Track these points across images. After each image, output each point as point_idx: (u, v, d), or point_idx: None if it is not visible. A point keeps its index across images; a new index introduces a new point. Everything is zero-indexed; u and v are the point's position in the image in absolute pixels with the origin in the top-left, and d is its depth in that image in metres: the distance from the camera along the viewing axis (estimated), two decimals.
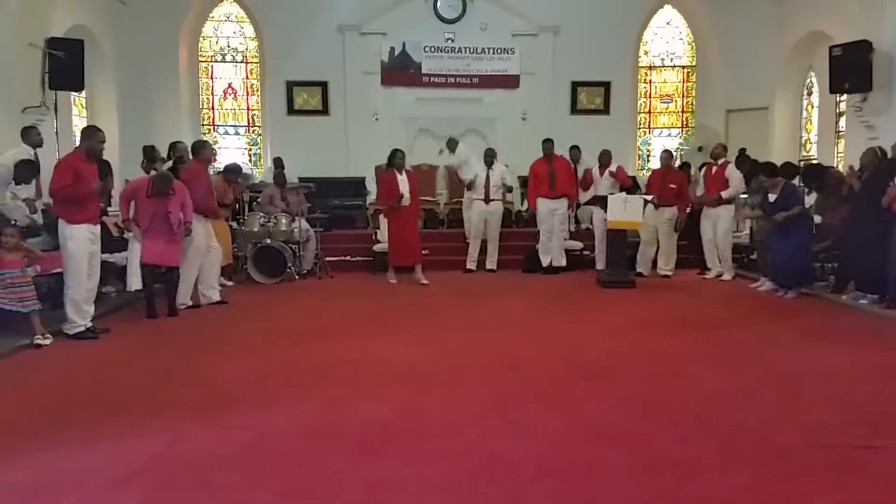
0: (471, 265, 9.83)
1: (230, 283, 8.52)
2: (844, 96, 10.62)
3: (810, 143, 12.28)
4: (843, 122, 11.23)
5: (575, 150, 10.13)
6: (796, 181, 8.44)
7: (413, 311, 7.05)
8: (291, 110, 12.59)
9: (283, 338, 5.77)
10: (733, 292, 8.30)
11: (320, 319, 6.63)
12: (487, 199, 9.75)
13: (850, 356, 5.16)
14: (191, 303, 7.18)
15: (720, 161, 9.15)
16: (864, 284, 7.22)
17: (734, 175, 9.00)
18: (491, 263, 9.85)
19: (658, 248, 9.43)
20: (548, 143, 9.70)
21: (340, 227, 11.07)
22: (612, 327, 6.24)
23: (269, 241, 8.78)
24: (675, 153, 10.83)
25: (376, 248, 9.73)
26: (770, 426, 3.65)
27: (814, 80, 12.11)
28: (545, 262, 9.64)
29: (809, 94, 12.41)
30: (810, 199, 8.65)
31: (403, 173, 8.57)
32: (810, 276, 7.95)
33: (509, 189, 10.46)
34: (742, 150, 10.39)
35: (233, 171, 8.84)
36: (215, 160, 7.89)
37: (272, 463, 3.17)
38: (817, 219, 8.18)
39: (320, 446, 3.39)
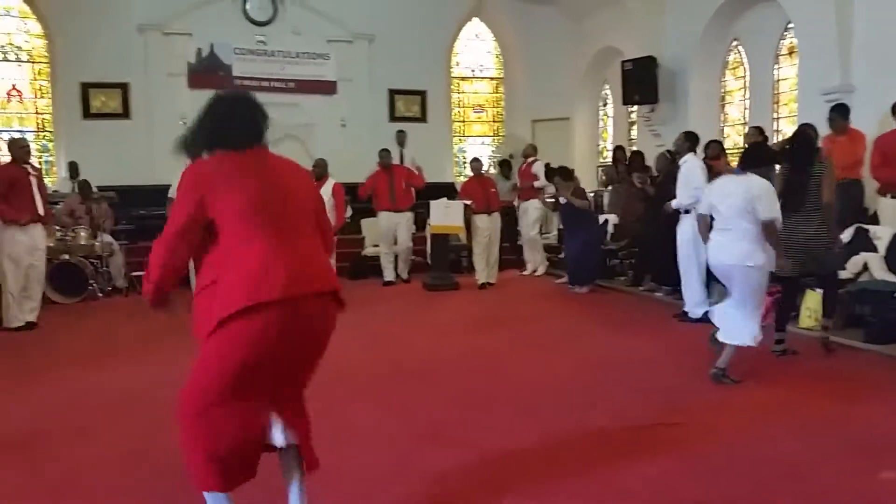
0: None
1: None
2: (635, 107, 11.67)
3: (606, 150, 13.33)
4: (634, 130, 12.35)
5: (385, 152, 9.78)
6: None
7: None
8: (88, 114, 11.54)
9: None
10: (542, 289, 8.81)
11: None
12: None
13: (646, 343, 5.65)
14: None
15: (530, 159, 10.15)
16: (659, 278, 7.96)
17: (540, 170, 9.97)
18: None
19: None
20: (385, 153, 9.31)
21: (148, 240, 10.28)
22: (437, 329, 6.39)
23: (67, 256, 8.04)
24: (487, 161, 11.33)
25: None
26: (582, 412, 3.90)
27: (609, 92, 13.20)
28: (388, 276, 9.26)
29: (605, 105, 13.52)
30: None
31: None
32: (599, 271, 8.62)
33: None
34: (547, 164, 11.06)
35: None
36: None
37: None
38: (615, 218, 8.92)
39: None
